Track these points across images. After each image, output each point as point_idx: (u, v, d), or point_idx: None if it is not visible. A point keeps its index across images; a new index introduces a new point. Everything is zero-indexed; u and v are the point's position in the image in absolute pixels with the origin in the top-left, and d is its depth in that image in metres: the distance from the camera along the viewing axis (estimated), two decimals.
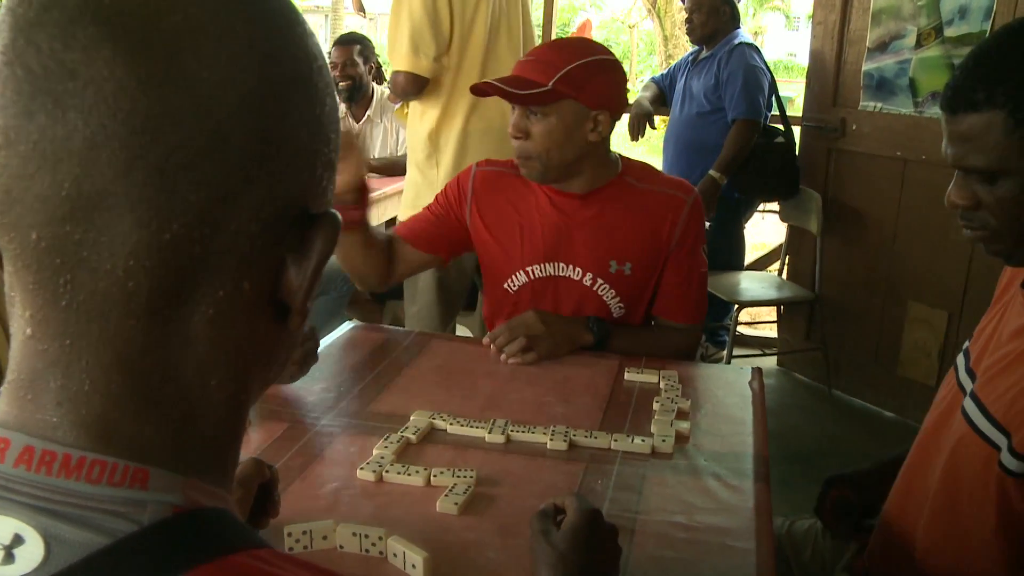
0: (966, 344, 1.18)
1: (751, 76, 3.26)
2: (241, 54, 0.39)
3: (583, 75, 1.52)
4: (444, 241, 1.71)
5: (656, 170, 1.76)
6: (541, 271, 1.66)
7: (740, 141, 3.25)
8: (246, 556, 0.39)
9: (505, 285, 1.69)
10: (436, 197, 1.76)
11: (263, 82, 0.39)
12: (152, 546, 0.37)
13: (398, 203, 3.26)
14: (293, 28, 0.42)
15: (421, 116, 2.42)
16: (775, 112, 3.42)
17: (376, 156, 3.58)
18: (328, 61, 3.72)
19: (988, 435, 0.99)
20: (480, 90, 1.57)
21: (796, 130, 3.47)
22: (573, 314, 1.64)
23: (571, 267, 1.64)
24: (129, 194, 0.37)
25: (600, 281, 1.63)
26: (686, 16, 3.52)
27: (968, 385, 1.08)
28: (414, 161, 2.46)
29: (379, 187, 3.24)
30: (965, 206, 1.00)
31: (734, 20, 3.40)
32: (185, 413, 0.41)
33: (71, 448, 0.38)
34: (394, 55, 2.30)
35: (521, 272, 1.66)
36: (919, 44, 2.91)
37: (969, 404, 1.04)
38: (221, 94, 0.38)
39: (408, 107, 2.57)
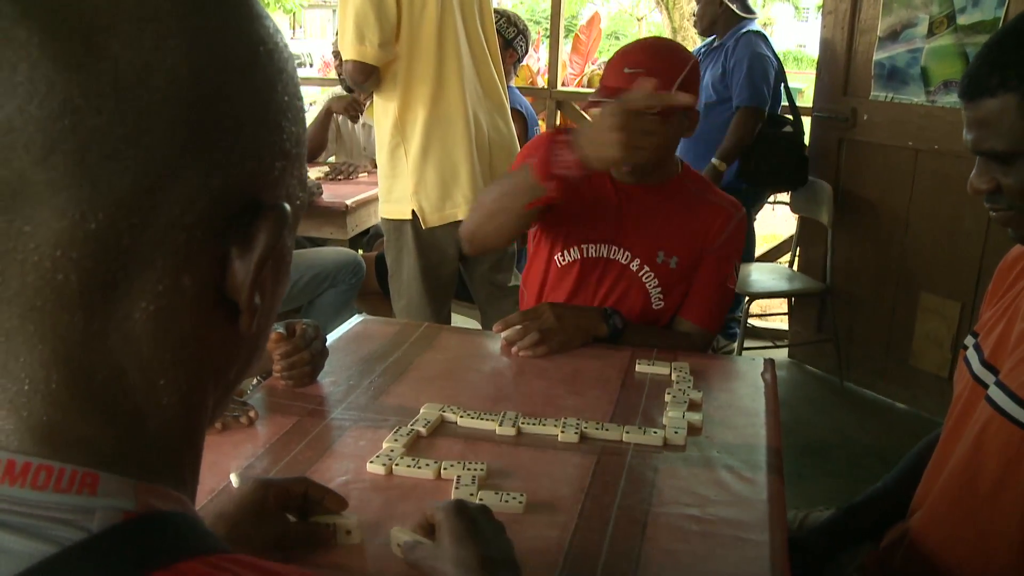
0: (973, 340, 1.17)
1: (756, 64, 3.24)
2: (167, 36, 0.37)
3: (692, 81, 1.59)
4: None
5: (711, 183, 1.78)
6: (595, 251, 1.69)
7: (742, 128, 3.23)
8: (199, 562, 0.37)
9: (556, 256, 1.71)
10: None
11: (193, 67, 0.37)
12: (100, 554, 0.36)
13: None
14: (233, 10, 0.40)
15: (383, 109, 2.44)
16: (785, 103, 3.40)
17: None
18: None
19: (1019, 418, 1.00)
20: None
21: (806, 121, 3.45)
22: (617, 297, 1.68)
23: (622, 251, 1.68)
24: (49, 182, 0.35)
25: (647, 269, 1.67)
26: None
27: (989, 378, 1.08)
28: (383, 153, 2.48)
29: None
30: (987, 190, 1.02)
31: (744, 9, 3.38)
32: (133, 415, 0.40)
33: (15, 453, 0.37)
34: (342, 44, 2.31)
35: (575, 248, 1.69)
36: (931, 33, 2.89)
37: (995, 391, 1.04)
38: (145, 78, 0.36)
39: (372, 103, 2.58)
